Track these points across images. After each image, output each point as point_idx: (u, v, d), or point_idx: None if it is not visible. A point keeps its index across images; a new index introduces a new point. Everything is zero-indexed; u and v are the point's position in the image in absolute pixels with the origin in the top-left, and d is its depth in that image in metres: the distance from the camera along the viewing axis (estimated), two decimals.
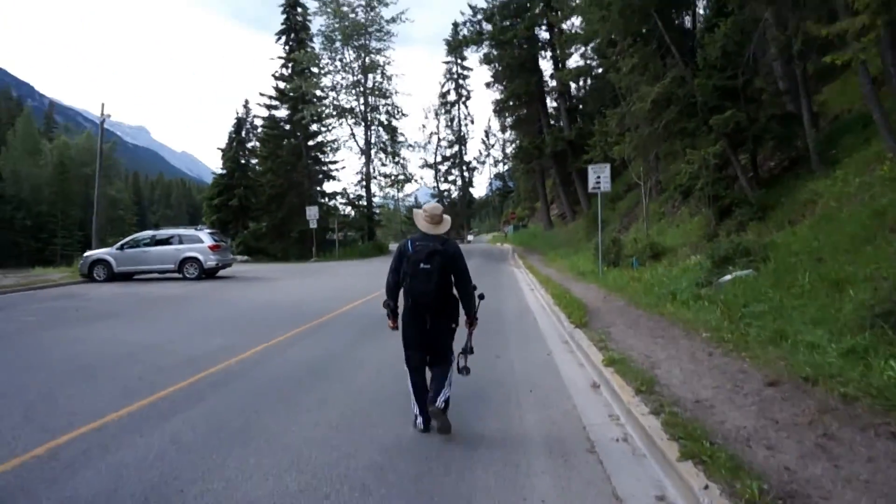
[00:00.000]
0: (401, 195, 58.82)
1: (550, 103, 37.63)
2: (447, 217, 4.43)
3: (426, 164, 68.26)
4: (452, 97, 67.58)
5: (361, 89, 35.77)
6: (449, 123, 68.53)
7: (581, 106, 34.85)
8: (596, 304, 10.38)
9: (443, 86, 67.88)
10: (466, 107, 70.98)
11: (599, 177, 15.49)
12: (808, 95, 12.11)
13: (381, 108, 36.88)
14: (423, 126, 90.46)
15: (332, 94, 35.38)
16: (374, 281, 17.10)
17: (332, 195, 37.16)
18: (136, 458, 3.93)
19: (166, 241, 18.89)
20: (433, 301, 4.11)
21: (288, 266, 26.69)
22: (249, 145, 35.36)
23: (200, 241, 18.82)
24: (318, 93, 33.65)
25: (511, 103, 34.23)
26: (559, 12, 26.76)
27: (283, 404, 5.10)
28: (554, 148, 31.21)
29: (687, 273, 11.34)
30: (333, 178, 36.93)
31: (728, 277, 9.01)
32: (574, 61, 30.95)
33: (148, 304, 12.73)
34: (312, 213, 30.22)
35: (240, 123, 34.18)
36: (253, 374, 6.19)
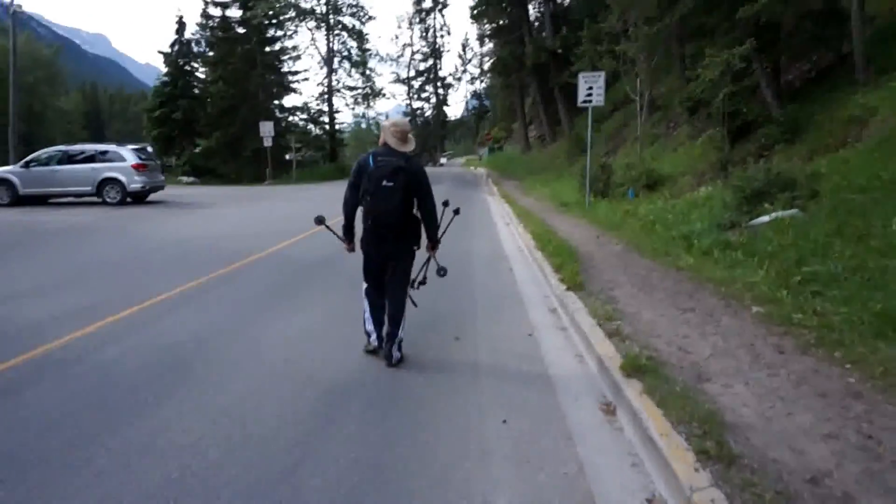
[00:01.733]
0: (372, 113, 55.22)
1: (534, 13, 34.14)
2: (412, 137, 4.07)
3: (398, 79, 64.25)
4: (428, 4, 62.63)
5: None
6: (424, 34, 63.98)
7: (567, 15, 31.47)
8: (588, 247, 8.22)
9: None
10: (443, 16, 66.08)
11: (591, 87, 13.00)
12: None
13: (344, 9, 32.86)
14: (396, 37, 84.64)
15: None
16: (326, 209, 14.67)
17: (292, 110, 33.68)
18: None
19: (81, 159, 16.03)
20: (396, 220, 3.87)
21: (236, 189, 23.92)
22: (209, 52, 30.87)
23: (122, 160, 16.00)
24: None
25: (490, 7, 30.55)
26: None
27: (80, 444, 2.90)
28: (536, 60, 28.14)
29: (699, 209, 9.20)
30: (294, 90, 33.45)
31: (765, 219, 6.87)
32: None
33: (32, 239, 10.25)
34: (267, 129, 27.02)
35: (182, 23, 29.91)
36: (77, 371, 3.97)
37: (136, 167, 15.97)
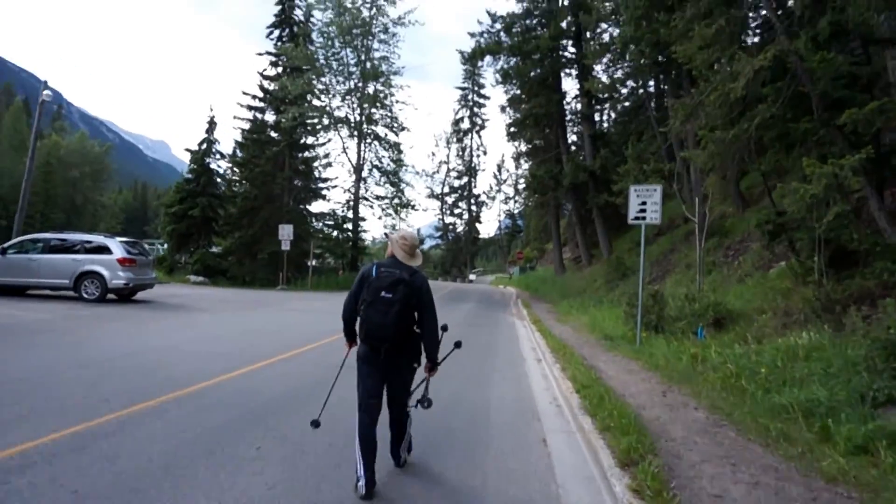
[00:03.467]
0: (403, 226, 54.63)
1: (571, 137, 33.44)
2: (420, 252, 3.97)
3: (433, 195, 64.35)
4: (466, 125, 64.15)
5: (358, 96, 31.30)
6: (460, 153, 64.95)
7: (606, 136, 30.52)
8: (654, 411, 5.72)
9: (456, 112, 64.49)
10: (480, 137, 66.86)
11: (645, 203, 11.00)
12: None
13: (378, 119, 32.36)
14: (433, 154, 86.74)
15: (325, 98, 31.03)
16: (320, 325, 12.51)
17: (321, 216, 32.55)
18: None
19: (63, 249, 14.38)
20: (391, 334, 3.58)
21: (243, 293, 22.00)
22: (233, 151, 30.31)
23: (108, 252, 14.31)
24: (310, 97, 29.37)
25: (527, 124, 29.74)
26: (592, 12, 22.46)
27: None
28: (573, 179, 26.69)
29: (803, 364, 6.67)
30: (323, 196, 32.44)
31: None
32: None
33: None
34: (286, 232, 25.61)
35: (213, 122, 29.52)
36: None
37: (123, 262, 14.21)
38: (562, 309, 19.18)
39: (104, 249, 14.35)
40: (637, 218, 11.06)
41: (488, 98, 64.57)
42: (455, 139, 64.72)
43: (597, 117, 34.68)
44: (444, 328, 3.96)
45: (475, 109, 64.36)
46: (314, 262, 28.76)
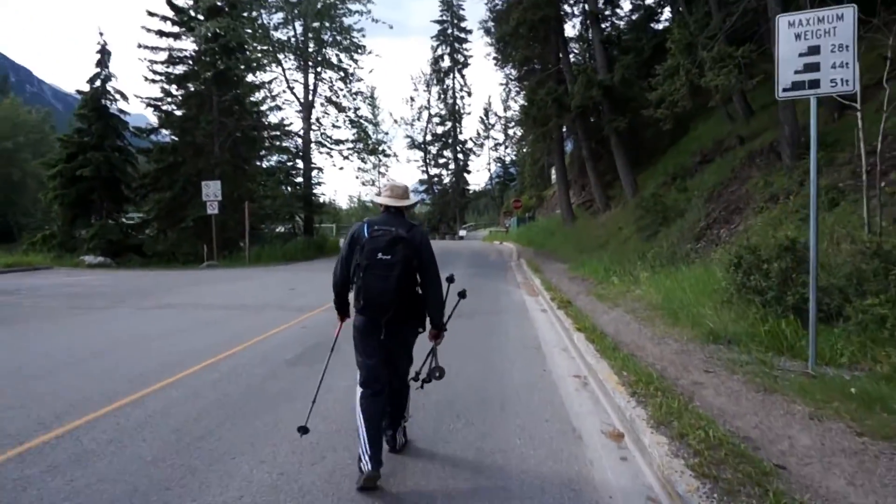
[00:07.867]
0: (383, 181, 48.06)
1: (572, 55, 26.85)
2: (410, 192, 3.52)
3: (414, 144, 57.82)
4: (447, 63, 56.99)
5: (301, 10, 24.23)
6: (442, 95, 57.92)
7: (620, 40, 24.03)
8: None
9: (435, 50, 57.26)
10: (463, 77, 59.64)
11: (818, 49, 4.94)
12: None
13: (328, 41, 25.27)
14: (412, 99, 79.39)
15: (256, 15, 24.10)
16: (220, 330, 6.60)
17: (266, 171, 26.13)
18: None
19: None
20: (393, 302, 3.15)
21: (136, 277, 15.78)
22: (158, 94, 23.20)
23: None
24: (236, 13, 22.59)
25: (520, 34, 22.93)
26: None
27: None
28: (583, 100, 20.40)
29: None
30: (271, 146, 25.96)
31: None
32: None
33: None
34: (211, 190, 19.40)
35: (105, 50, 22.48)
36: None
37: None
38: (589, 272, 13.20)
39: None
40: (795, 85, 5.03)
41: (470, 32, 57.20)
42: (435, 80, 57.82)
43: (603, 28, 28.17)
44: (450, 279, 3.61)
45: (456, 45, 57.27)
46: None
